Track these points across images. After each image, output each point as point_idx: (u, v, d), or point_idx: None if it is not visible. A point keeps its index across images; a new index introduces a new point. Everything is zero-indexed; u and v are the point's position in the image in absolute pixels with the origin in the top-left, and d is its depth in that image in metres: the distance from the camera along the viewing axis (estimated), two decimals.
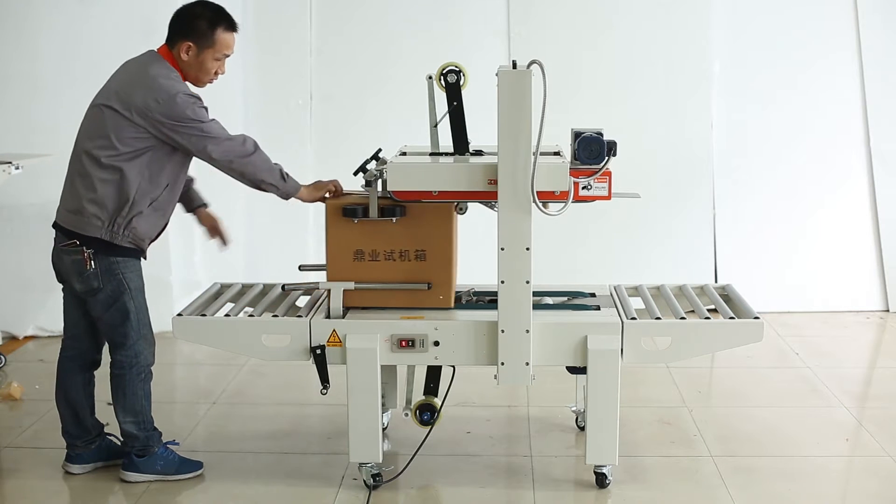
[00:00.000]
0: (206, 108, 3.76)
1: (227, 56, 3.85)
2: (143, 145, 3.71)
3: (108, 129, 3.70)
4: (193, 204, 4.19)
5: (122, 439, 4.07)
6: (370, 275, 3.78)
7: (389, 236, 3.77)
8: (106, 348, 4.03)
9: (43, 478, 4.11)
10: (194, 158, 3.88)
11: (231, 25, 3.82)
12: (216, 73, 3.85)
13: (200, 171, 6.20)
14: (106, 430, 4.17)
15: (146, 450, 3.99)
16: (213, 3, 3.84)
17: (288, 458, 4.25)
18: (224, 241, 4.21)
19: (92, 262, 3.78)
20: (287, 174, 3.86)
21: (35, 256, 5.29)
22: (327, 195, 3.88)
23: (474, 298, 4.08)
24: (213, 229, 4.21)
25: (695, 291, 4.19)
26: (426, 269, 3.80)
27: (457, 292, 4.07)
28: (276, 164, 3.85)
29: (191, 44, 3.76)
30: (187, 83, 3.81)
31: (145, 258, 3.99)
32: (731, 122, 6.56)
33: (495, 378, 3.76)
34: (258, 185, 3.82)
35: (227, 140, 3.75)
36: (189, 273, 6.18)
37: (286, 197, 3.88)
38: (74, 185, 3.79)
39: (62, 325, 4.05)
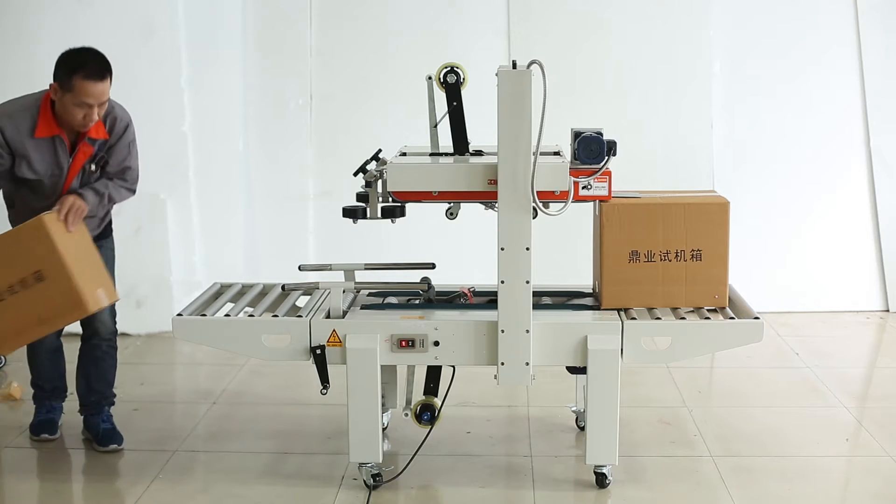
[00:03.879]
0: None
1: (92, 105, 3.81)
2: None
3: None
4: None
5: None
6: (646, 275, 3.77)
7: (665, 237, 3.78)
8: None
9: (43, 478, 4.12)
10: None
11: (92, 74, 3.79)
12: (85, 119, 3.85)
13: (203, 169, 6.24)
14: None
15: None
16: (88, 51, 3.86)
17: (288, 458, 4.25)
18: None
19: None
20: None
21: None
22: None
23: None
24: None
25: None
26: (702, 269, 3.80)
27: (452, 292, 4.08)
28: None
29: (55, 86, 3.85)
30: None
31: None
32: (730, 121, 6.55)
33: (495, 378, 3.76)
34: None
35: None
36: (189, 273, 6.18)
37: None
38: None
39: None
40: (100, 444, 4.29)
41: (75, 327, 4.23)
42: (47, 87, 3.90)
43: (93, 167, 4.02)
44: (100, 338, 4.30)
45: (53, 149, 3.93)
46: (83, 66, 3.80)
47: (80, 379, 4.36)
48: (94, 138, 3.98)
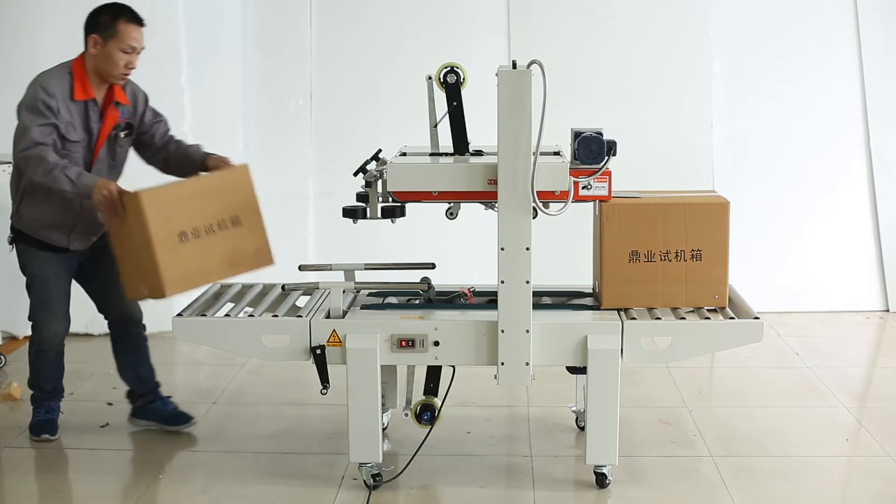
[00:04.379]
0: (48, 116, 3.93)
1: (135, 49, 4.03)
2: None
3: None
4: (197, 160, 4.28)
5: None
6: (646, 275, 3.79)
7: (665, 237, 3.79)
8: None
9: (43, 478, 4.12)
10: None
11: (133, 18, 4.03)
12: (127, 67, 4.04)
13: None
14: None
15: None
16: (119, 3, 4.08)
17: (288, 458, 4.25)
18: None
19: (12, 245, 4.28)
20: (76, 177, 3.89)
21: None
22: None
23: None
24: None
25: None
26: (702, 269, 3.81)
27: (452, 292, 4.08)
28: (64, 174, 3.88)
29: (97, 37, 4.01)
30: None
31: (58, 250, 4.20)
32: (730, 121, 6.55)
33: (495, 378, 3.76)
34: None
35: (27, 149, 3.92)
36: None
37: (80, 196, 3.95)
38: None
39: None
40: (177, 423, 4.46)
41: (77, 327, 4.24)
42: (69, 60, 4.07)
43: (122, 134, 4.17)
44: (137, 326, 4.45)
45: (86, 113, 4.06)
46: (124, 11, 4.03)
47: (127, 372, 4.50)
48: (120, 103, 4.13)
